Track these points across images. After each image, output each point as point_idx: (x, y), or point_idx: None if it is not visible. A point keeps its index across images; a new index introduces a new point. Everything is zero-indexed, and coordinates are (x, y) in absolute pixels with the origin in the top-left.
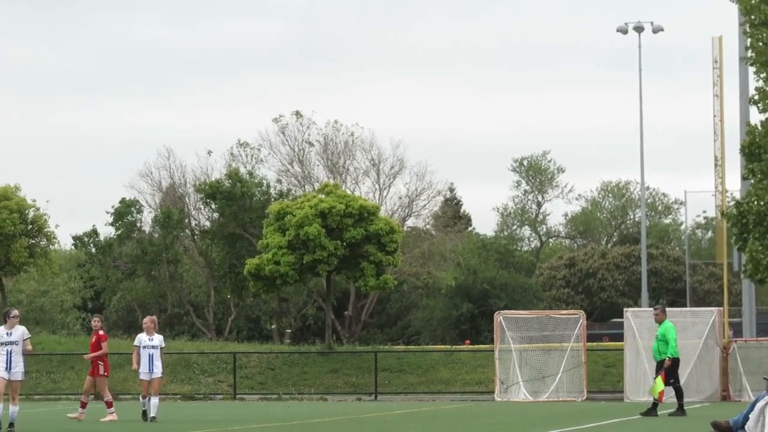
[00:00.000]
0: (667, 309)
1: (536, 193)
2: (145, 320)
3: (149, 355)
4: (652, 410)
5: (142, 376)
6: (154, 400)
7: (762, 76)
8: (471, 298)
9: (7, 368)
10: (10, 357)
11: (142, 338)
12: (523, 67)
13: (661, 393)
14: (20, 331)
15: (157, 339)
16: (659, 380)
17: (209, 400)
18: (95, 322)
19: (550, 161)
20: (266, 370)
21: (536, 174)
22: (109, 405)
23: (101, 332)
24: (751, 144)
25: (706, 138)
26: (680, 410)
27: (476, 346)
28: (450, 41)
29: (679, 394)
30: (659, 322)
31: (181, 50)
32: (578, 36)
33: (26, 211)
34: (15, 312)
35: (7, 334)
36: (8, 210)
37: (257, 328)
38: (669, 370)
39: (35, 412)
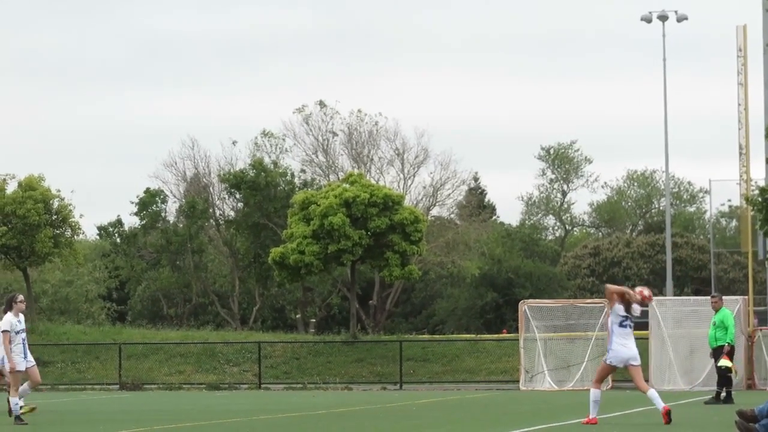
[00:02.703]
0: (693, 298)
1: (561, 182)
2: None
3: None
4: (717, 398)
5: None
6: None
7: None
8: (495, 287)
9: (25, 357)
10: (25, 345)
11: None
12: (548, 55)
13: (734, 366)
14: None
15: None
16: (726, 362)
17: (234, 390)
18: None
19: (576, 151)
20: (291, 359)
21: (562, 163)
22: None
23: None
24: None
25: (731, 126)
26: (717, 398)
27: (501, 335)
28: (475, 30)
29: (721, 381)
30: (717, 309)
31: (204, 40)
32: (604, 24)
33: (51, 201)
34: (22, 297)
35: (19, 321)
36: (33, 200)
37: (282, 318)
38: (728, 355)
39: (61, 402)
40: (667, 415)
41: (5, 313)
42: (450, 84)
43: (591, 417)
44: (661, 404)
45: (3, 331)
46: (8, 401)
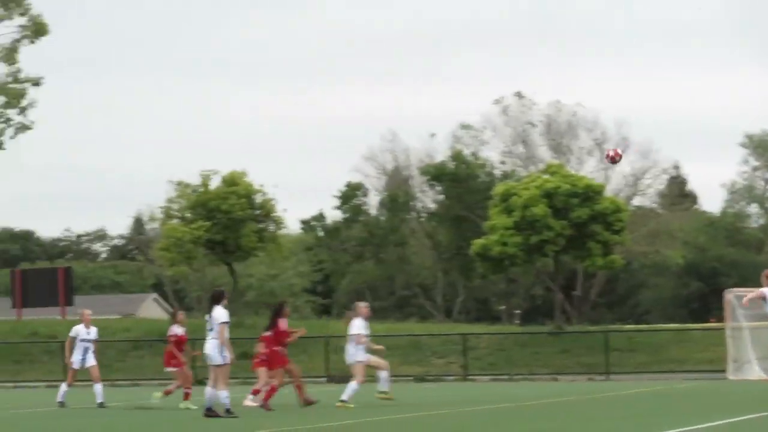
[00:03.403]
0: None
1: (765, 169)
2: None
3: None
4: None
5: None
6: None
7: None
8: (700, 276)
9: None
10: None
11: (79, 330)
12: (751, 43)
13: None
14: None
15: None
16: None
17: (440, 382)
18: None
19: None
20: (496, 351)
21: (766, 151)
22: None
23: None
24: None
25: None
26: None
27: (707, 325)
28: (672, 16)
29: None
30: None
31: (402, 34)
32: None
33: (254, 196)
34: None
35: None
36: (236, 195)
37: (486, 309)
38: None
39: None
40: None
41: (213, 306)
42: (649, 72)
43: None
44: None
45: (222, 323)
46: (208, 393)
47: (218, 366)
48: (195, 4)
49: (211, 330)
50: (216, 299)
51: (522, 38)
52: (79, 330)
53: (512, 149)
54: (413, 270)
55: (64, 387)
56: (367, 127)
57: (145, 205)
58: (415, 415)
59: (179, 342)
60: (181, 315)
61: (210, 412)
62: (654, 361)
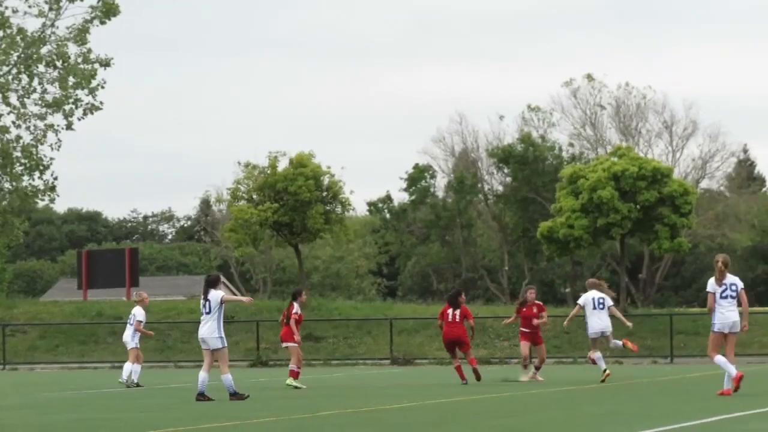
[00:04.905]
0: None
1: None
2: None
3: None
4: None
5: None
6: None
7: None
8: (767, 259)
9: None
10: None
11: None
12: None
13: None
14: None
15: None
16: None
17: (505, 365)
18: (531, 293)
19: None
20: (561, 333)
21: None
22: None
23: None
24: None
25: None
26: None
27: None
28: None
29: None
30: None
31: (472, 16)
32: None
33: (321, 178)
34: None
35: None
36: (304, 177)
37: (551, 292)
38: None
39: (334, 377)
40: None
41: (209, 290)
42: (719, 55)
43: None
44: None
45: (222, 305)
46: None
47: (218, 350)
48: None
49: (208, 313)
50: (212, 284)
51: (592, 21)
52: (142, 312)
53: (581, 132)
54: (479, 252)
55: (137, 367)
56: (436, 110)
57: (213, 186)
58: (479, 398)
59: (299, 321)
60: (305, 296)
61: (202, 397)
62: None
